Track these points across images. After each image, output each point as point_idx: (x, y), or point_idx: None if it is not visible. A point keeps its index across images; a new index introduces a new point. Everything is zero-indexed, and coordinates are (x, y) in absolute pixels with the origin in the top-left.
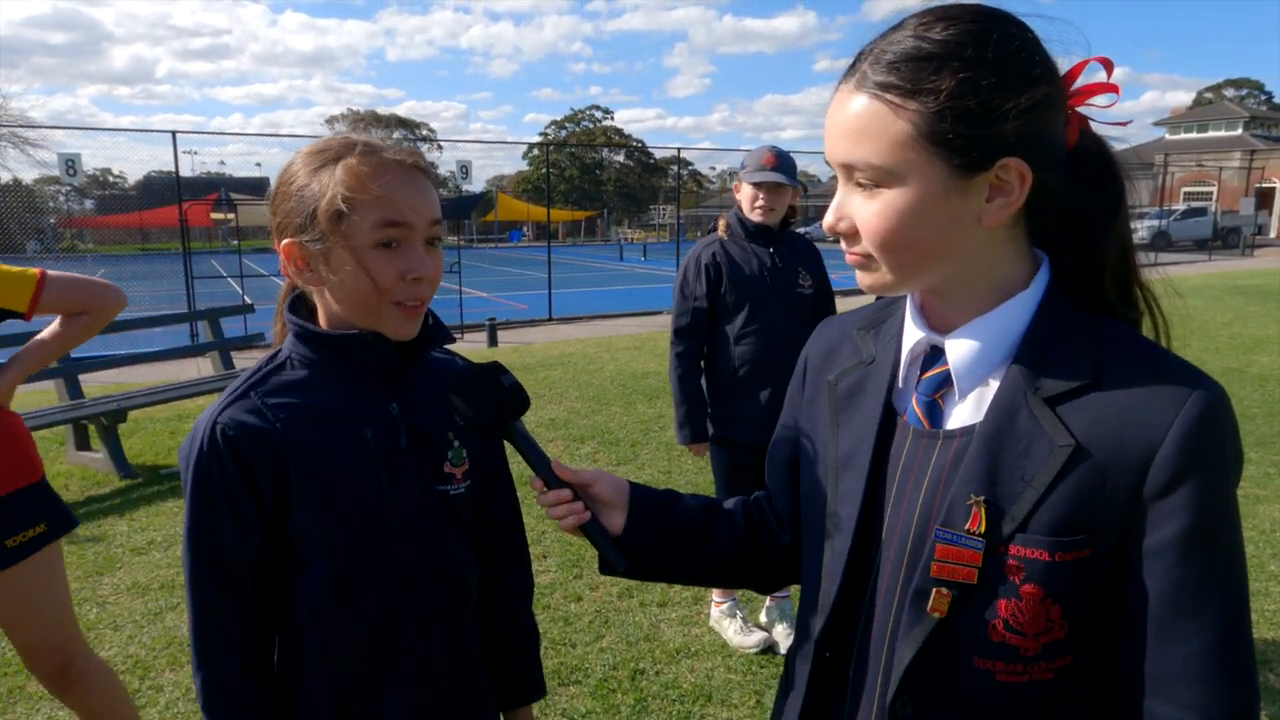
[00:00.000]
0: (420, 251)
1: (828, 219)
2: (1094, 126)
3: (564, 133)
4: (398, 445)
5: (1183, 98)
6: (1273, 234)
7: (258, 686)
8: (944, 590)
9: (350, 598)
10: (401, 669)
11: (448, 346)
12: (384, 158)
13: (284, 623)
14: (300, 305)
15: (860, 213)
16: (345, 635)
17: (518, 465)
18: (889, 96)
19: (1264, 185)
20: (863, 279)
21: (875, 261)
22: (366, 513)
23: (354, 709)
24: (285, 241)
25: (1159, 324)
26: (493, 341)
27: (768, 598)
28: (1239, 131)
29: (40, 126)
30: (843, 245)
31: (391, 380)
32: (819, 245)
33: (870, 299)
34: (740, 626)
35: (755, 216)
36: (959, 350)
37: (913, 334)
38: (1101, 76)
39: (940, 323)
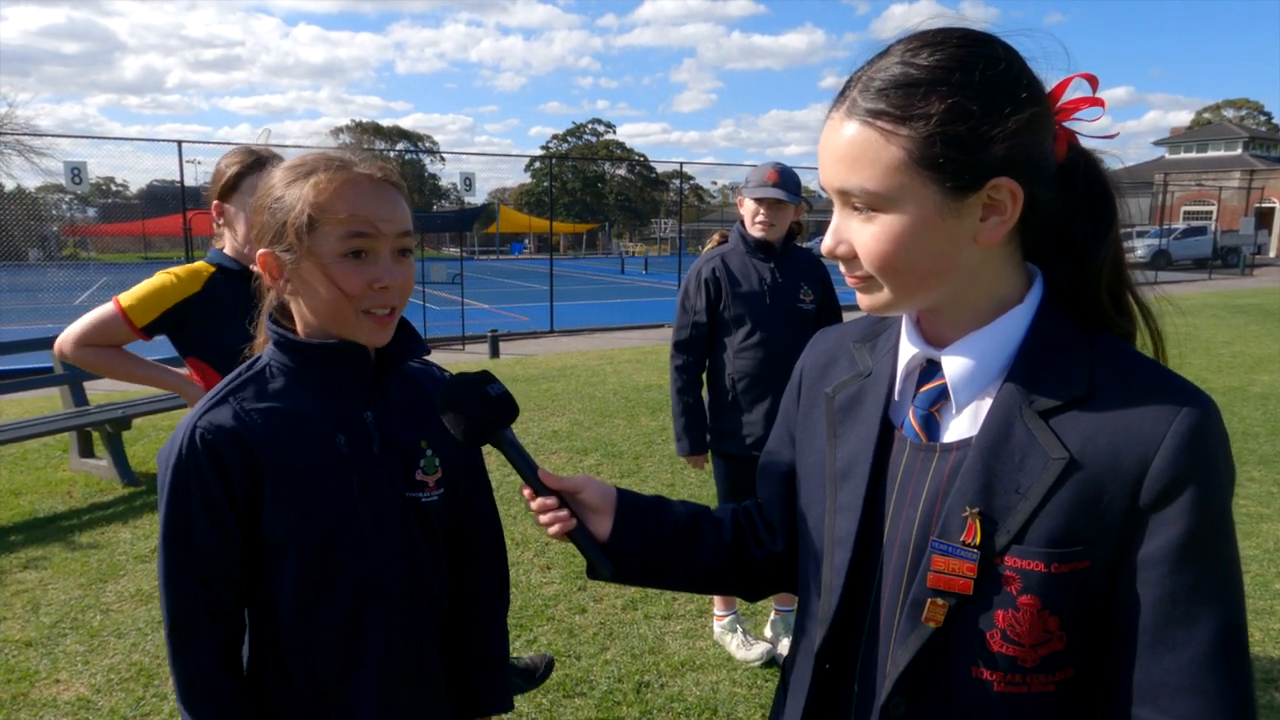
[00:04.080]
0: (387, 261)
1: (826, 243)
2: (1083, 140)
3: (565, 146)
4: (370, 452)
5: (1185, 117)
6: (1272, 253)
7: (232, 678)
8: (939, 600)
9: (321, 596)
10: (367, 668)
11: (425, 357)
12: (354, 172)
13: (260, 618)
14: (281, 314)
15: (858, 237)
16: (316, 632)
17: (514, 478)
18: (880, 123)
19: (1263, 205)
20: (863, 300)
21: (876, 283)
22: (336, 515)
23: (328, 702)
24: (261, 251)
25: (1154, 335)
26: (495, 353)
27: (773, 610)
28: (1238, 151)
29: (45, 135)
30: (842, 269)
31: (366, 389)
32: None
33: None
34: (741, 640)
35: (756, 232)
36: (955, 365)
37: (908, 348)
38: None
39: (936, 337)
